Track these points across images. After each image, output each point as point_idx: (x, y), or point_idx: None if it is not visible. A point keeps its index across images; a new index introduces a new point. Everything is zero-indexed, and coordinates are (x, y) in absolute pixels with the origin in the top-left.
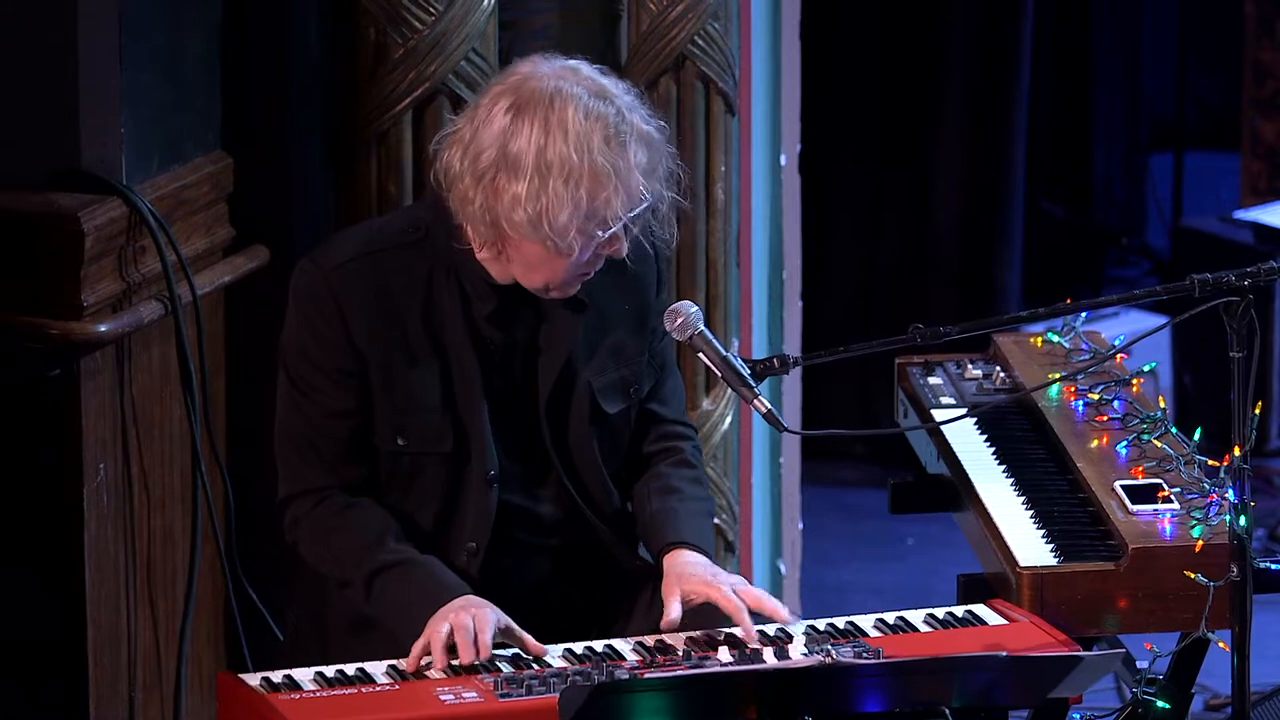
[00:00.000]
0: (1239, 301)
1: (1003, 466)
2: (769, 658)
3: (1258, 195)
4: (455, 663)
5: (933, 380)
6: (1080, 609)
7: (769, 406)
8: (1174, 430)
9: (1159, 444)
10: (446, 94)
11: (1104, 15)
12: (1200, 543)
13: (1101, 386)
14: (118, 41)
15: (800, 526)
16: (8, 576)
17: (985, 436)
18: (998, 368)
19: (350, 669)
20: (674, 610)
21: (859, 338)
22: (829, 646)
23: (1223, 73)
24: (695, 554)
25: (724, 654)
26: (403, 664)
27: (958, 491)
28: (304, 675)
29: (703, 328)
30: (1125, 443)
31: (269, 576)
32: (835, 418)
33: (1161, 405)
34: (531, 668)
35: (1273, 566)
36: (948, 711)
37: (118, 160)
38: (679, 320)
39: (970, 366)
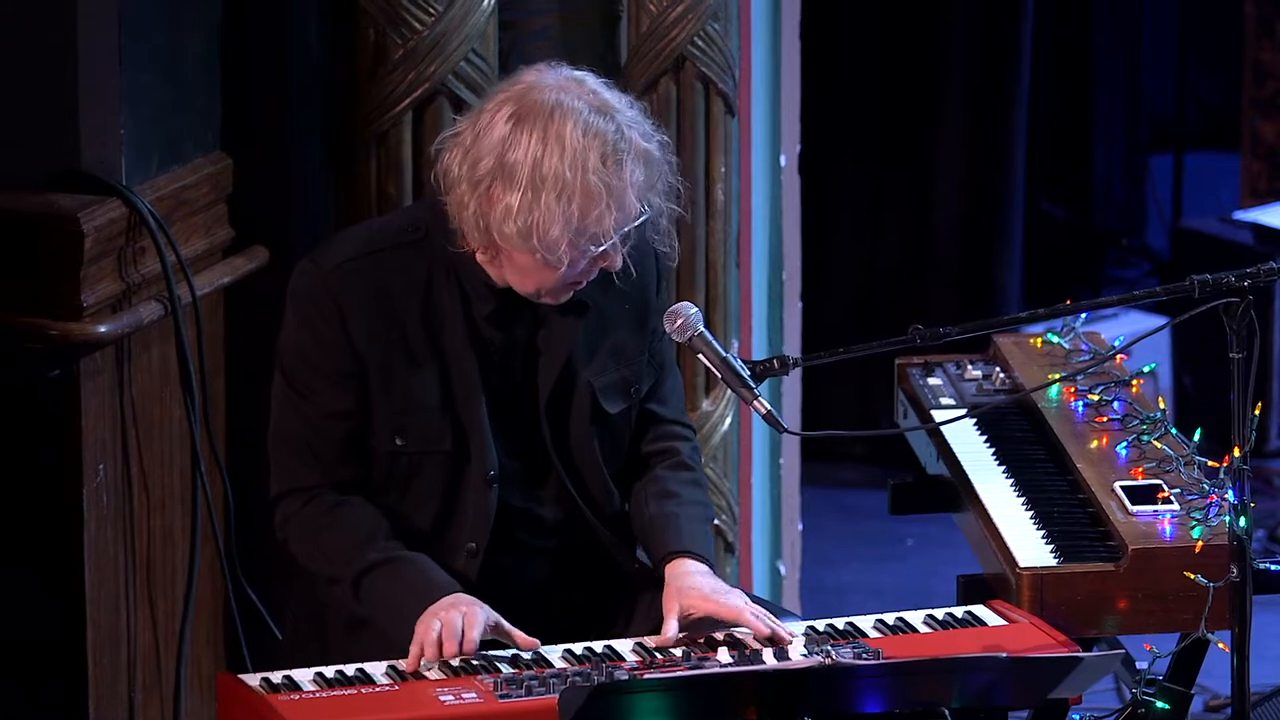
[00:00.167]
0: (1239, 302)
1: (1002, 467)
2: (768, 658)
3: (1257, 196)
4: (454, 663)
5: (932, 381)
6: (1080, 610)
7: (769, 407)
8: (1174, 431)
9: (1159, 445)
10: (446, 95)
11: (1104, 15)
12: (1200, 543)
13: (1101, 387)
14: (117, 42)
15: (800, 527)
16: (8, 577)
17: (985, 437)
18: (997, 368)
19: (350, 669)
20: (670, 629)
21: (859, 339)
22: (828, 647)
23: (1223, 73)
24: (697, 563)
25: (723, 655)
26: (402, 664)
27: (957, 492)
28: (303, 676)
29: (702, 329)
30: (1125, 443)
31: (268, 577)
32: (835, 419)
33: (1161, 406)
34: (531, 669)
35: (1272, 567)
36: (947, 712)
37: (117, 161)
38: (679, 321)
39: (970, 367)
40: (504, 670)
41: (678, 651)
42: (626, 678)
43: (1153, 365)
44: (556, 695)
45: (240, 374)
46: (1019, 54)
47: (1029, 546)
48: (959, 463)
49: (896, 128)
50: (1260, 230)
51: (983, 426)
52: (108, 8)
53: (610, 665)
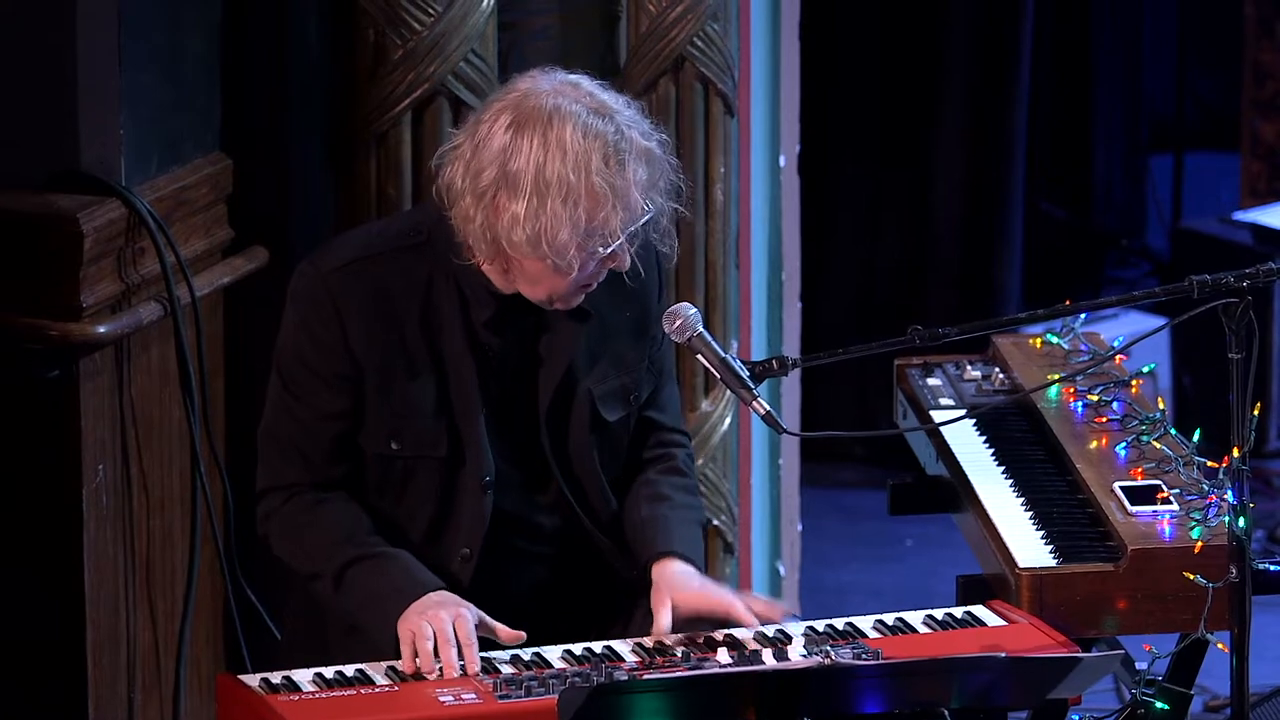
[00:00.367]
0: (1238, 303)
1: (1002, 468)
2: (768, 659)
3: (1257, 196)
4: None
5: (932, 381)
6: (1079, 610)
7: (768, 408)
8: (1173, 431)
9: (1158, 445)
10: (445, 95)
11: (1104, 15)
12: (1199, 544)
13: (1101, 388)
14: (117, 42)
15: (799, 528)
16: (7, 577)
17: (984, 438)
18: (997, 369)
19: (349, 670)
20: (664, 619)
21: (858, 339)
22: (828, 648)
23: (1223, 73)
24: (684, 564)
25: (723, 655)
26: (401, 665)
27: (957, 493)
28: (303, 676)
29: (701, 329)
30: (1124, 444)
31: (268, 578)
32: (834, 419)
33: (1160, 406)
34: (530, 669)
35: (1271, 568)
36: (946, 713)
37: (117, 161)
38: (678, 322)
39: (969, 368)
40: (503, 671)
41: (677, 652)
42: (626, 678)
43: (1152, 366)
44: (556, 696)
45: (240, 374)
46: (1019, 54)
47: (1028, 547)
48: (958, 463)
49: (896, 128)
50: (1260, 231)
51: (982, 427)
52: (107, 8)
53: (609, 666)
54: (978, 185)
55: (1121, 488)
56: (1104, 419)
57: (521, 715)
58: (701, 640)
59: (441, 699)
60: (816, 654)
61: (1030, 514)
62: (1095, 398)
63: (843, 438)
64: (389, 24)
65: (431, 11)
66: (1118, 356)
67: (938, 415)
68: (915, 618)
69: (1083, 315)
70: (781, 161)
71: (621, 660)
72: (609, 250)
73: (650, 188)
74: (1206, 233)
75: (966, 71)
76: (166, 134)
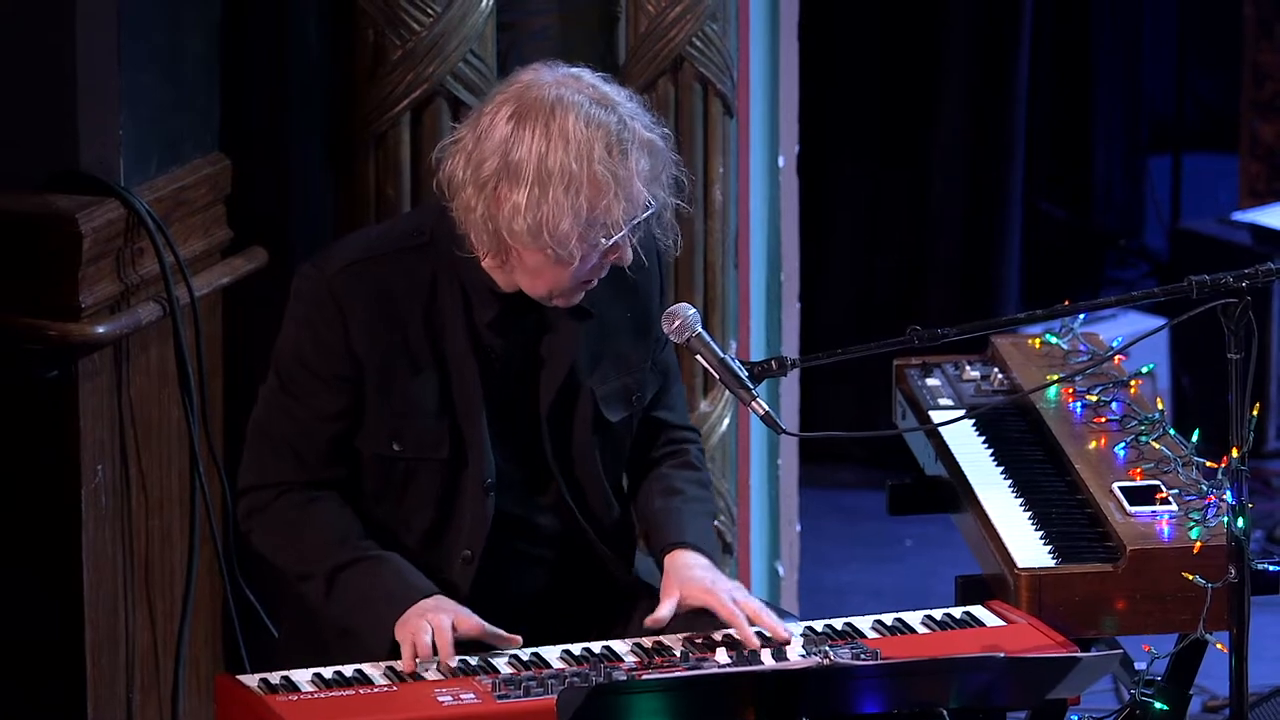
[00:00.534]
0: (1237, 303)
1: (1001, 468)
2: (767, 659)
3: (1256, 197)
4: (452, 664)
5: (930, 382)
6: (1078, 610)
7: (767, 408)
8: (1172, 432)
9: (1157, 445)
10: (445, 95)
11: (1104, 15)
12: (1198, 544)
13: (1100, 388)
14: (116, 42)
15: (798, 528)
16: (6, 577)
17: (983, 438)
18: (996, 369)
19: (348, 670)
20: (664, 610)
21: (857, 339)
22: (827, 648)
23: (1222, 74)
24: (697, 555)
25: (722, 655)
26: (400, 665)
27: (956, 493)
28: (302, 676)
29: (700, 330)
30: (1123, 444)
31: (267, 578)
32: (833, 419)
33: (1159, 407)
34: (529, 669)
35: (1270, 568)
36: (945, 713)
37: (116, 161)
38: (677, 322)
39: (968, 368)
40: (502, 671)
41: (676, 652)
42: (624, 678)
43: (1151, 366)
44: (554, 696)
45: (239, 375)
46: (1018, 54)
47: (1027, 547)
48: (957, 464)
49: (895, 128)
50: (1258, 231)
51: (981, 427)
52: (107, 8)
53: (608, 666)
54: (977, 185)
55: (1120, 488)
56: (1103, 419)
57: (520, 715)
58: (700, 640)
59: (440, 699)
60: (815, 654)
61: (1029, 514)
62: (1094, 398)
63: (841, 438)
64: (388, 24)
65: (430, 12)
66: (1117, 357)
67: (937, 415)
68: (914, 618)
69: (1082, 315)
70: (780, 162)
71: (620, 660)
72: (611, 241)
73: (653, 179)
74: (1205, 233)
75: (966, 71)
76: (166, 134)
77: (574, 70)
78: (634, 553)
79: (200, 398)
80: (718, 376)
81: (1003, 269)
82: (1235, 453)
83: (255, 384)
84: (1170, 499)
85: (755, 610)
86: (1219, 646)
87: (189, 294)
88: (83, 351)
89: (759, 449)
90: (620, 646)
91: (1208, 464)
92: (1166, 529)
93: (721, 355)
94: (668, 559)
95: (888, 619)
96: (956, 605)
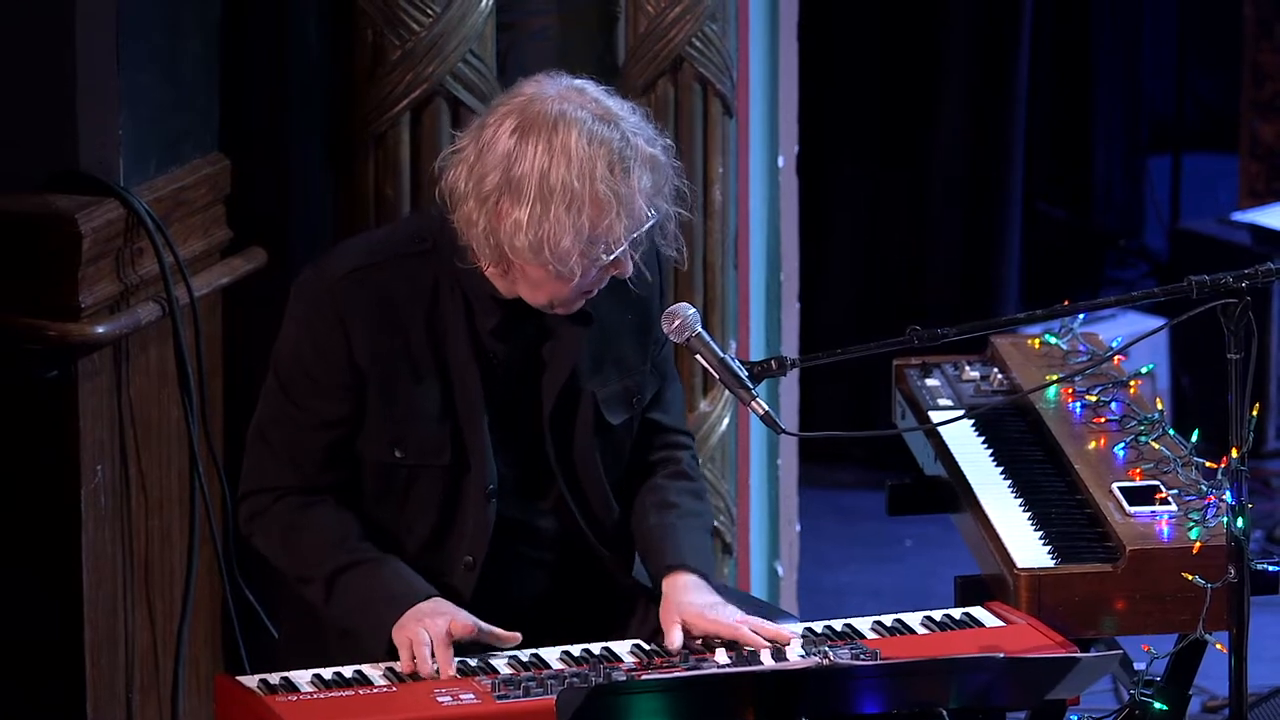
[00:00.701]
0: (1236, 303)
1: (1000, 468)
2: (766, 659)
3: (1256, 197)
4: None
5: (930, 382)
6: (1077, 610)
7: (766, 408)
8: (1171, 432)
9: (1156, 445)
10: (444, 95)
11: (1104, 15)
12: (1198, 544)
13: (1099, 388)
14: (116, 42)
15: (798, 528)
16: (6, 577)
17: (983, 438)
18: (995, 369)
19: (347, 671)
20: (675, 638)
21: (856, 339)
22: (826, 648)
23: (1222, 74)
24: (694, 577)
25: (721, 656)
26: (400, 666)
27: (955, 493)
28: (301, 677)
29: (700, 329)
30: (1123, 444)
31: (266, 578)
32: (832, 420)
33: (1159, 407)
34: (529, 670)
35: (1270, 568)
36: (945, 713)
37: (115, 162)
38: (676, 322)
39: (968, 368)
40: (502, 671)
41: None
42: (624, 679)
43: (1150, 366)
44: (554, 696)
45: (238, 375)
46: (1018, 54)
47: (1027, 547)
48: (957, 464)
49: (895, 128)
50: (1258, 231)
51: (980, 427)
52: (106, 8)
53: (608, 666)
54: (977, 185)
55: (1120, 488)
56: (1102, 419)
57: (520, 716)
58: (700, 641)
59: (440, 699)
60: (815, 654)
61: (1028, 514)
62: (1094, 398)
63: (841, 438)
64: (387, 24)
65: (430, 12)
66: (1116, 357)
67: (936, 415)
68: (913, 618)
69: (1081, 315)
70: (780, 162)
71: (620, 661)
72: (612, 257)
73: (655, 194)
74: (1205, 233)
75: (966, 71)
76: (165, 134)
77: (577, 82)
78: (634, 554)
79: (200, 398)
80: (717, 376)
81: (1002, 269)
82: (1235, 453)
83: (255, 384)
84: (1170, 499)
85: (757, 625)
86: (1218, 647)
87: (189, 294)
88: (82, 351)
89: (758, 449)
90: (620, 647)
91: (1207, 464)
92: (1166, 529)
93: (721, 355)
94: (665, 583)
95: (887, 619)
96: (956, 606)
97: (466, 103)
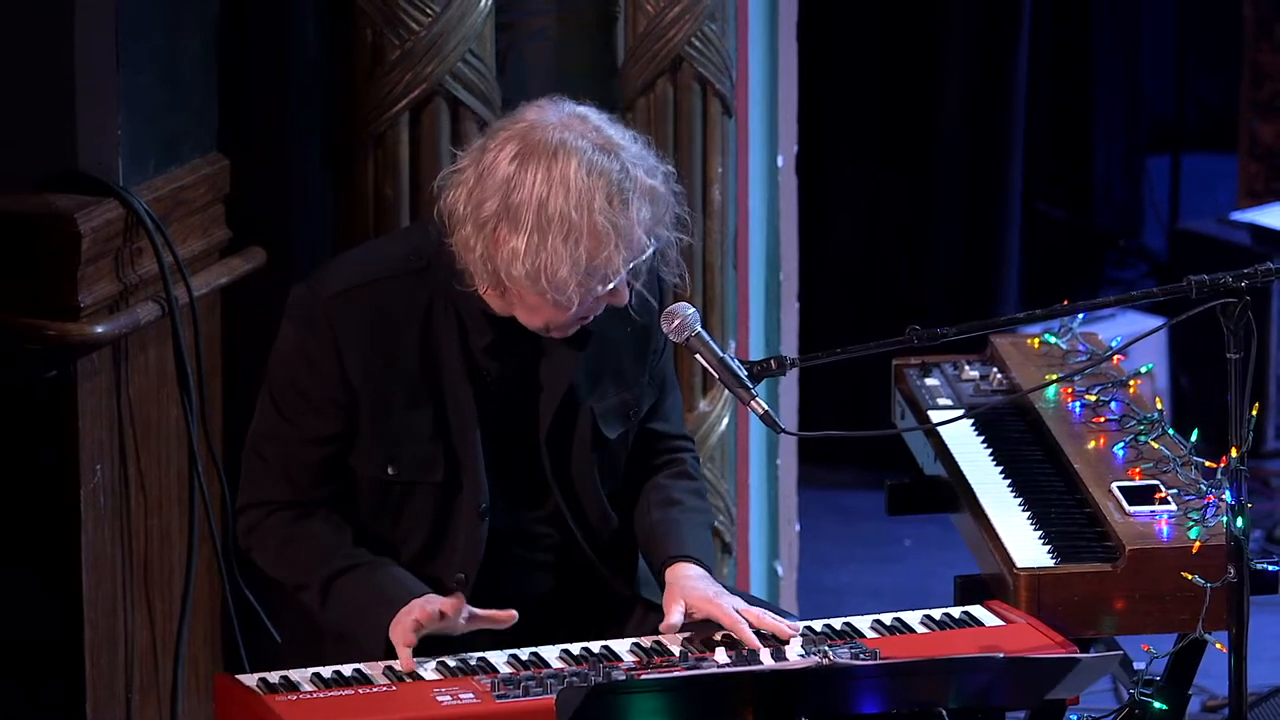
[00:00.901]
0: (1236, 303)
1: (1000, 468)
2: (766, 659)
3: (1255, 197)
4: (450, 663)
5: (929, 381)
6: (1077, 610)
7: (766, 408)
8: (1171, 431)
9: (1156, 445)
10: (443, 95)
11: (1104, 15)
12: (1197, 544)
13: (1099, 388)
14: (115, 42)
15: (797, 528)
16: (6, 577)
17: (982, 438)
18: (995, 369)
19: (347, 670)
20: (675, 615)
21: (856, 339)
22: (826, 648)
23: (1222, 74)
24: (697, 568)
25: (721, 655)
26: (399, 665)
27: (955, 493)
28: (301, 676)
29: (700, 329)
30: (1122, 444)
31: (266, 578)
32: (832, 419)
33: (1159, 406)
34: (528, 669)
35: (1269, 568)
36: (945, 713)
37: (115, 161)
38: (676, 322)
39: (967, 368)
40: (501, 671)
41: (675, 652)
42: (624, 678)
43: (1150, 366)
44: (553, 695)
45: (237, 374)
46: (1018, 54)
47: (1026, 547)
48: (956, 463)
49: (895, 128)
50: (1257, 231)
51: (980, 427)
52: (105, 8)
53: (607, 665)
54: (976, 185)
55: (1119, 488)
56: (1102, 419)
57: (519, 715)
58: (699, 640)
59: (439, 699)
60: (814, 654)
61: (1028, 514)
62: (1093, 398)
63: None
64: (387, 24)
65: (429, 12)
66: (1116, 356)
67: (936, 415)
68: (913, 618)
69: (1081, 315)
70: (779, 161)
71: (619, 660)
72: (609, 287)
73: (655, 224)
74: (1204, 233)
75: (966, 71)
76: (164, 134)
77: (580, 110)
78: (635, 565)
79: (199, 397)
80: (717, 376)
81: (1002, 269)
82: (1234, 452)
83: (255, 384)
84: (1169, 499)
85: (758, 615)
86: (1218, 646)
87: (188, 294)
88: (82, 351)
89: (758, 449)
90: (619, 646)
91: (1207, 464)
92: (1165, 529)
93: (721, 355)
94: (668, 572)
95: (887, 619)
96: (955, 605)
97: (466, 102)
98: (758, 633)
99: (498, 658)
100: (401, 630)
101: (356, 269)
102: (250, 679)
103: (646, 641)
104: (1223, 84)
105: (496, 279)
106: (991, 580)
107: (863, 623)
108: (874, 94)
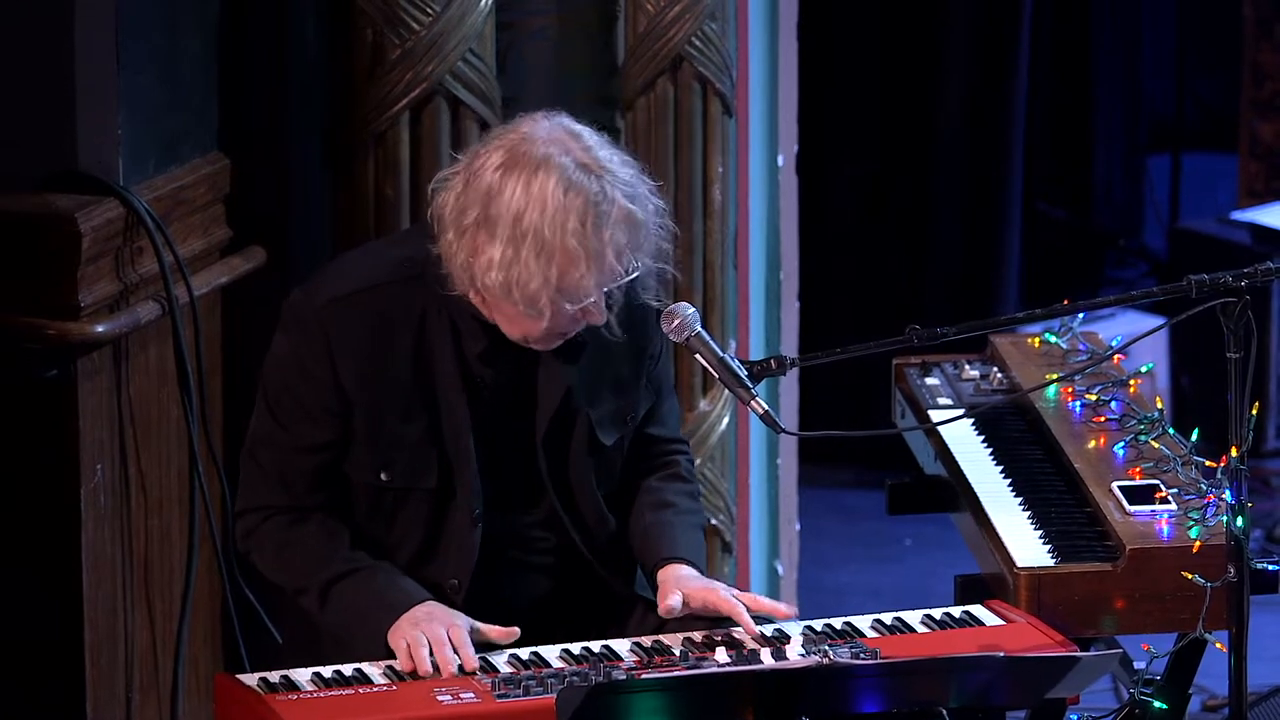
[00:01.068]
0: (1236, 302)
1: (1000, 467)
2: (766, 658)
3: (1255, 196)
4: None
5: (930, 381)
6: (1077, 610)
7: (766, 407)
8: (1171, 431)
9: (1156, 445)
10: (444, 95)
11: (1104, 15)
12: (1197, 543)
13: (1099, 387)
14: (115, 42)
15: (797, 528)
16: (6, 577)
17: (982, 437)
18: (995, 368)
19: (348, 669)
20: (674, 602)
21: (856, 339)
22: (826, 647)
23: (1222, 74)
24: (689, 569)
25: (721, 655)
26: (399, 665)
27: (955, 492)
28: (301, 676)
29: (700, 329)
30: (1122, 443)
31: (266, 578)
32: (832, 419)
33: (1159, 406)
34: (529, 669)
35: (1269, 567)
36: (945, 712)
37: (115, 161)
38: (676, 321)
39: (967, 367)
40: (502, 670)
41: (675, 651)
42: (624, 677)
43: (1150, 365)
44: (554, 695)
45: (237, 374)
46: (1018, 54)
47: (1026, 546)
48: (956, 463)
49: (895, 128)
50: (1258, 230)
51: (980, 427)
52: (105, 8)
53: (608, 665)
54: (977, 185)
55: (1119, 487)
56: (1102, 418)
57: (520, 714)
58: (700, 640)
59: (440, 698)
60: (814, 653)
61: (1028, 514)
62: (1093, 397)
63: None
64: (387, 23)
65: (429, 11)
66: (1116, 356)
67: (936, 415)
68: (913, 617)
69: (1081, 315)
70: (780, 161)
71: (619, 660)
72: (580, 306)
73: (632, 250)
74: (1204, 232)
75: (966, 71)
76: (164, 134)
77: (575, 127)
78: (634, 565)
79: (199, 397)
80: (717, 376)
81: (1002, 269)
82: (1234, 452)
83: (255, 383)
84: (1169, 498)
85: (753, 598)
86: (1218, 646)
87: (188, 293)
88: (82, 351)
89: (758, 448)
90: (619, 646)
91: (1207, 463)
92: (1166, 528)
93: (721, 354)
94: (660, 573)
95: (887, 618)
96: (956, 605)
97: (466, 102)
98: (760, 632)
99: (498, 658)
100: (402, 636)
101: (351, 275)
102: (250, 679)
103: (647, 641)
104: (1223, 84)
105: (475, 286)
106: (992, 580)
107: (863, 622)
108: (874, 94)
